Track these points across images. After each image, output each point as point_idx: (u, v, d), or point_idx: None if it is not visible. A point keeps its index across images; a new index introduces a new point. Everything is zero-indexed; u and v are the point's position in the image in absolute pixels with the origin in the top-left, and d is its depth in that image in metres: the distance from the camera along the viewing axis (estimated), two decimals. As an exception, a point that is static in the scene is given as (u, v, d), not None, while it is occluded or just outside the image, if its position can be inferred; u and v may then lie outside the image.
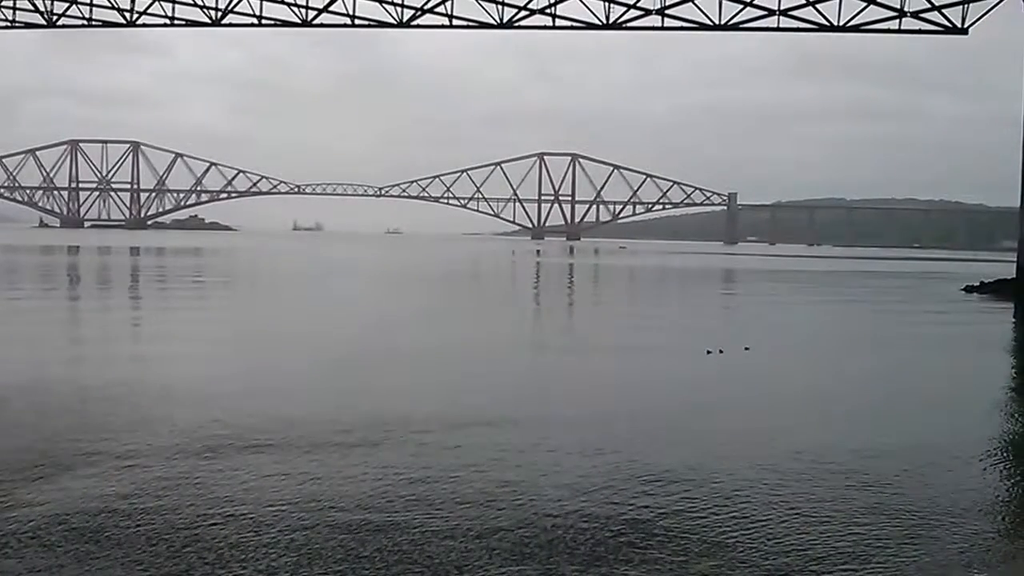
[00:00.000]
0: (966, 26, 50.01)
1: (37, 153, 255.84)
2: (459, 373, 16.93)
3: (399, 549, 7.41)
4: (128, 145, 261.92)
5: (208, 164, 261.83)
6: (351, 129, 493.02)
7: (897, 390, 16.31)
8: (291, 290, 42.68)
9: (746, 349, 20.21)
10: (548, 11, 53.50)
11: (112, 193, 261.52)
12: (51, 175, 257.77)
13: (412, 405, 13.32)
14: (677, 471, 9.84)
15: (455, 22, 54.75)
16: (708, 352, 19.41)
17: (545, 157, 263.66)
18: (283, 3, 55.28)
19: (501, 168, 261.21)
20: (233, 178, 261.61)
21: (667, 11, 52.26)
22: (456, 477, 9.48)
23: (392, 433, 11.37)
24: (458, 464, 9.97)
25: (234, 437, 10.96)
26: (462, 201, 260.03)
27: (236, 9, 55.56)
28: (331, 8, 54.78)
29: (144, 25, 57.14)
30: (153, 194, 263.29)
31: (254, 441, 10.80)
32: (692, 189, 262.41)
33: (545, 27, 54.64)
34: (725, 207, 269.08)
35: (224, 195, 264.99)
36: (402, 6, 54.42)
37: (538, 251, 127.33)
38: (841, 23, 51.19)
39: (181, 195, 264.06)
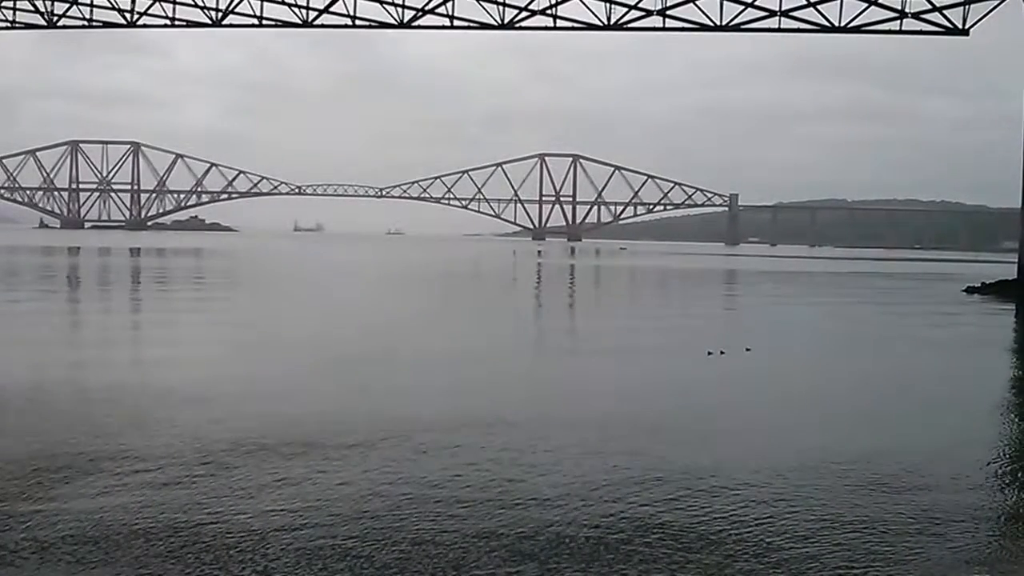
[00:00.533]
0: (967, 27, 49.99)
1: (37, 154, 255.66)
2: (460, 374, 16.90)
3: (397, 549, 7.39)
4: (128, 146, 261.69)
5: (209, 165, 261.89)
6: (352, 129, 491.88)
7: (898, 391, 16.28)
8: (293, 292, 42.63)
9: (747, 350, 20.18)
10: (549, 12, 53.47)
11: (112, 194, 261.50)
12: (51, 176, 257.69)
13: (412, 406, 13.32)
14: (676, 471, 9.83)
15: (456, 23, 54.72)
16: (709, 353, 19.38)
17: (546, 158, 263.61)
18: (284, 4, 55.28)
19: (502, 169, 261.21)
20: (234, 179, 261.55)
21: (668, 12, 52.22)
22: (455, 477, 9.46)
23: (391, 433, 11.35)
24: (457, 464, 9.95)
25: (233, 439, 10.95)
26: (463, 202, 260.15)
27: (237, 10, 55.55)
28: (332, 9, 54.76)
29: (144, 26, 57.12)
30: (153, 195, 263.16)
31: (253, 442, 10.78)
32: (693, 190, 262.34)
33: (546, 28, 54.60)
34: (726, 208, 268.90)
35: (225, 196, 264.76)
36: (403, 7, 54.40)
37: (539, 252, 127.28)
38: (842, 24, 51.16)
39: (181, 196, 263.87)
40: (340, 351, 19.66)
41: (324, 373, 16.61)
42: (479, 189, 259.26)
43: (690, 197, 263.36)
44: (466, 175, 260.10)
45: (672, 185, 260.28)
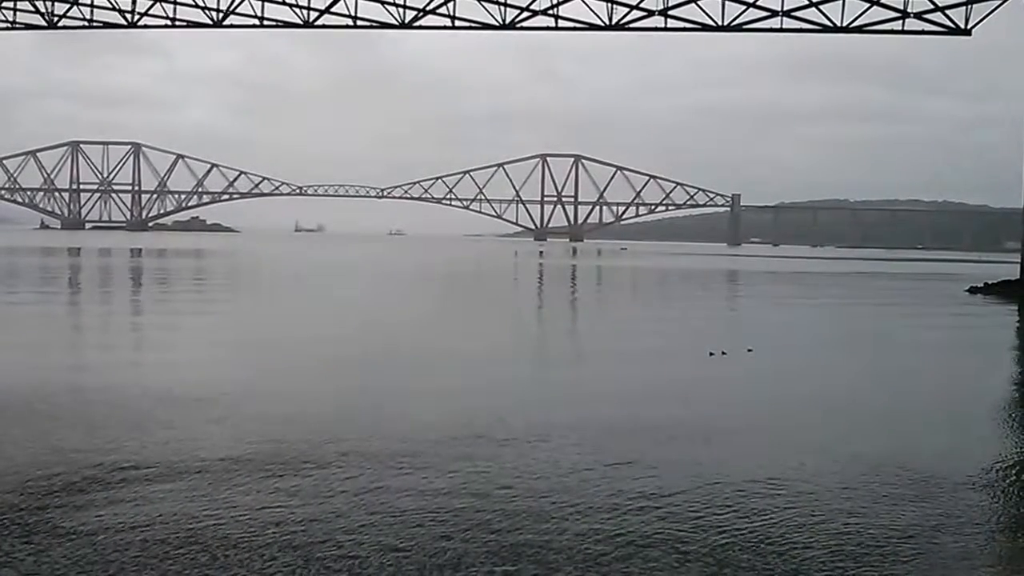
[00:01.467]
0: (969, 27, 49.89)
1: (38, 154, 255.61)
2: (460, 375, 16.88)
3: (395, 549, 7.34)
4: (129, 146, 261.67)
5: (209, 165, 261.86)
6: (352, 129, 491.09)
7: (899, 392, 16.23)
8: (296, 293, 42.61)
9: (749, 351, 20.11)
10: (550, 12, 53.33)
11: (113, 194, 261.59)
12: (52, 176, 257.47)
13: (412, 407, 13.29)
14: (674, 470, 9.79)
15: (457, 23, 54.61)
16: (711, 354, 19.31)
17: (548, 158, 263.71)
18: (285, 4, 55.22)
19: (504, 169, 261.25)
20: (235, 179, 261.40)
21: (670, 12, 52.11)
22: (453, 474, 9.41)
23: (390, 433, 11.30)
24: (456, 463, 9.91)
25: (231, 438, 10.94)
26: (464, 202, 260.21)
27: (237, 10, 55.45)
28: (333, 9, 54.68)
29: (145, 26, 57.03)
30: (154, 195, 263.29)
31: (252, 443, 10.76)
32: (695, 190, 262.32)
33: (547, 28, 54.51)
34: (728, 208, 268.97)
35: (226, 196, 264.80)
36: (404, 7, 54.29)
37: (541, 252, 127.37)
38: (844, 24, 51.06)
39: (182, 196, 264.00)
40: (341, 351, 19.63)
41: (325, 374, 16.59)
42: (480, 189, 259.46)
43: (692, 197, 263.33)
44: (467, 175, 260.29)
45: (674, 185, 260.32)
